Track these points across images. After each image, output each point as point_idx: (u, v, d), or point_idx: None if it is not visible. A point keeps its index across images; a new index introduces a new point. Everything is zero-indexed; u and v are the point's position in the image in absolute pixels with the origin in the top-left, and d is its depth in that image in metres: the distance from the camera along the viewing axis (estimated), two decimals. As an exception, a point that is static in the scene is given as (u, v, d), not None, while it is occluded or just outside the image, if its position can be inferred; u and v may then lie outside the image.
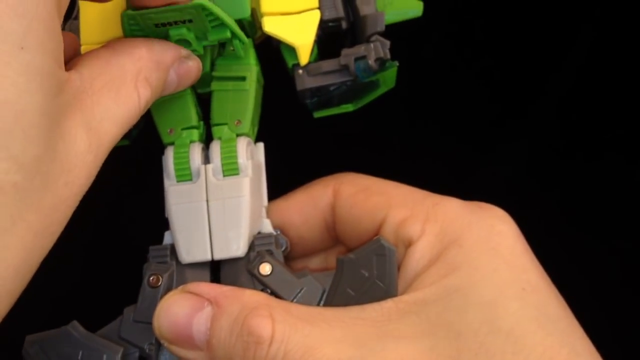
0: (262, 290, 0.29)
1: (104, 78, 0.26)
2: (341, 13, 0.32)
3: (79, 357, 0.28)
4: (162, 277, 0.30)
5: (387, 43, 0.31)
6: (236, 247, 0.30)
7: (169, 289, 0.29)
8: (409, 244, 0.29)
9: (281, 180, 0.33)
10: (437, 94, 0.36)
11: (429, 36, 0.31)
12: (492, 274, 0.27)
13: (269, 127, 0.33)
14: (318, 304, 0.29)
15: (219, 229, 0.30)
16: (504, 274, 0.27)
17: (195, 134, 0.31)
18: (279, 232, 0.32)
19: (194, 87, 0.32)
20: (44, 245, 0.23)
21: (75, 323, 0.29)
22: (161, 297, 0.29)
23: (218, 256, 0.30)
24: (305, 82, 0.32)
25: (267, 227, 0.31)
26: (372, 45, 0.31)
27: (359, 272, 0.28)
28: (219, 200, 0.30)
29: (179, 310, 0.27)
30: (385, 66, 0.31)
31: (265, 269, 0.29)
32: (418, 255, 0.28)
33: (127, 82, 0.26)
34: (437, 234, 0.28)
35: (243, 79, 0.31)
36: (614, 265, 0.27)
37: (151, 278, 0.30)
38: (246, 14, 0.30)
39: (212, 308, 0.27)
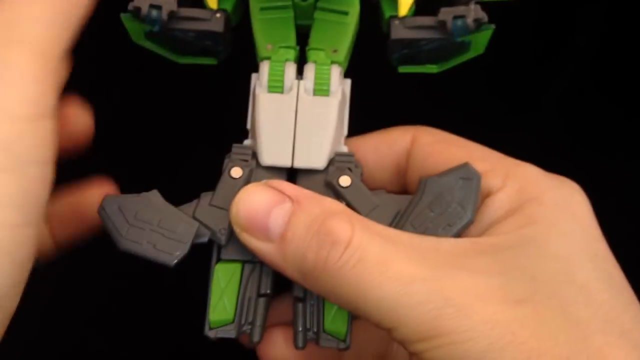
0: None
1: None
2: None
3: (156, 223, 0.28)
4: (243, 170, 0.30)
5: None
6: (317, 158, 0.31)
7: (248, 182, 0.30)
8: (487, 195, 0.30)
9: (360, 123, 0.34)
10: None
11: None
12: (569, 234, 0.28)
13: (356, 73, 0.35)
14: (391, 223, 0.29)
15: (303, 138, 0.31)
16: (579, 237, 0.28)
17: (292, 53, 0.33)
18: None
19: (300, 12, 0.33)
20: None
21: (155, 191, 0.29)
22: (240, 188, 0.29)
23: (298, 164, 0.31)
24: (400, 32, 0.34)
25: (345, 151, 0.32)
26: (471, 6, 0.33)
27: (441, 193, 0.29)
28: (308, 113, 0.31)
29: (259, 199, 0.28)
30: (481, 28, 0.33)
31: (345, 181, 0.30)
32: (497, 205, 0.29)
33: None
34: (518, 189, 0.29)
35: (346, 13, 0.33)
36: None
37: (233, 169, 0.30)
38: None
39: (293, 205, 0.28)
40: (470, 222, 0.29)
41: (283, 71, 0.32)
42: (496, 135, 0.33)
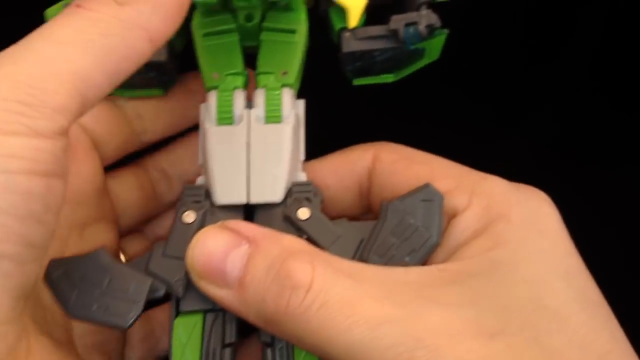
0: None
1: None
2: None
3: (105, 284, 0.26)
4: (196, 214, 0.28)
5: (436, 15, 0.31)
6: (273, 191, 0.29)
7: (202, 227, 0.28)
8: (453, 215, 0.28)
9: (317, 144, 0.32)
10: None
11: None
12: (538, 253, 0.26)
13: (309, 91, 0.33)
14: (355, 253, 0.28)
15: (258, 171, 0.29)
16: (550, 255, 0.27)
17: (240, 80, 0.31)
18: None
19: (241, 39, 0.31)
20: None
21: (102, 250, 0.27)
22: (194, 233, 0.27)
23: (254, 199, 0.29)
24: (351, 44, 0.32)
25: (303, 179, 0.30)
26: (423, 12, 0.31)
27: (404, 218, 0.27)
28: (261, 144, 0.29)
29: (215, 244, 0.26)
30: (434, 34, 0.31)
31: (304, 213, 0.28)
32: (463, 226, 0.28)
33: None
34: (484, 207, 0.28)
35: (293, 31, 0.31)
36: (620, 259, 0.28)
37: (185, 214, 0.28)
38: None
39: (250, 247, 0.26)
40: (436, 245, 0.27)
41: (231, 101, 0.30)
42: (485, 143, 0.33)
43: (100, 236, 0.31)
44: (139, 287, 0.26)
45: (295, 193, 0.29)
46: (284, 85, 0.31)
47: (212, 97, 0.30)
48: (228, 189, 0.29)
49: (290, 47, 0.31)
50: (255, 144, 0.29)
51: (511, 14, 0.32)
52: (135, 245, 0.35)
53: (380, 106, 0.35)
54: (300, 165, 0.31)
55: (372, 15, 0.33)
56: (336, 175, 0.32)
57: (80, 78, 0.24)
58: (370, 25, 0.32)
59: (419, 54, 0.32)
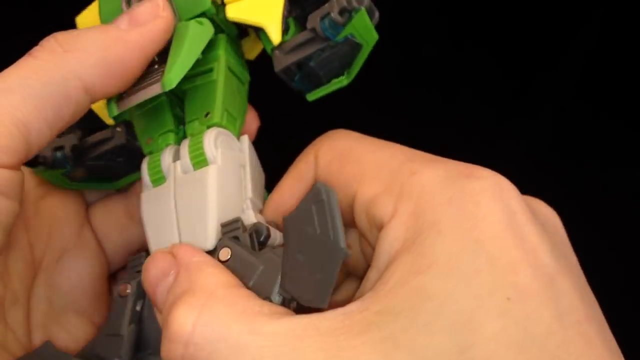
0: None
1: None
2: None
3: None
4: (130, 285, 0.27)
5: None
6: (203, 240, 0.26)
7: (137, 296, 0.27)
8: (381, 225, 0.24)
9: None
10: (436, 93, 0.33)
11: (428, 35, 0.29)
12: (472, 277, 0.22)
13: (273, 129, 0.31)
14: (278, 284, 0.24)
15: (186, 224, 0.27)
16: (486, 278, 0.22)
17: (171, 137, 0.29)
18: (264, 222, 0.28)
19: (172, 92, 0.30)
20: None
21: (48, 343, 0.27)
22: (131, 305, 0.26)
23: None
24: (281, 60, 0.29)
25: (250, 217, 0.28)
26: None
27: (303, 229, 0.23)
28: (186, 194, 0.27)
29: (152, 271, 0.25)
30: (351, 16, 0.27)
31: (225, 254, 0.25)
32: (390, 239, 0.24)
33: None
34: (412, 214, 0.23)
35: (210, 70, 0.29)
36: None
37: (120, 287, 0.27)
38: (206, 6, 0.29)
39: (175, 276, 0.25)
40: (345, 255, 0.22)
41: (159, 161, 0.29)
42: (484, 143, 0.33)
43: (80, 264, 0.31)
44: None
45: (223, 234, 0.27)
46: (208, 127, 0.29)
47: (144, 164, 0.29)
48: (162, 248, 0.27)
49: (209, 87, 0.29)
50: (180, 196, 0.27)
51: (511, 17, 0.29)
52: None
53: (380, 106, 0.31)
54: (248, 204, 0.28)
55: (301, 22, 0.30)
56: (294, 195, 0.28)
57: (22, 123, 0.25)
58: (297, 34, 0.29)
59: (355, 46, 0.28)
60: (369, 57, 0.29)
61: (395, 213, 0.24)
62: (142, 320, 0.27)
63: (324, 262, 0.22)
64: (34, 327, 0.29)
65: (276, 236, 0.27)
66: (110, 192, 0.34)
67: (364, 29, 0.28)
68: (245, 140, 0.29)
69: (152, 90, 0.27)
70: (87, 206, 0.33)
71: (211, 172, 0.27)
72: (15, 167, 0.25)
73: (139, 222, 0.31)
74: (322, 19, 0.28)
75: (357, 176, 0.26)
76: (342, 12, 0.27)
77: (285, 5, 0.29)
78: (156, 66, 0.29)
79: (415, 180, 0.24)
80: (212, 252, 0.26)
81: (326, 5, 0.28)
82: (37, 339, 0.29)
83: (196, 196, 0.27)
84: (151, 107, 0.30)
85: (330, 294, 0.22)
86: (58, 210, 0.31)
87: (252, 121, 0.32)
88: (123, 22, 0.27)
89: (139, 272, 0.28)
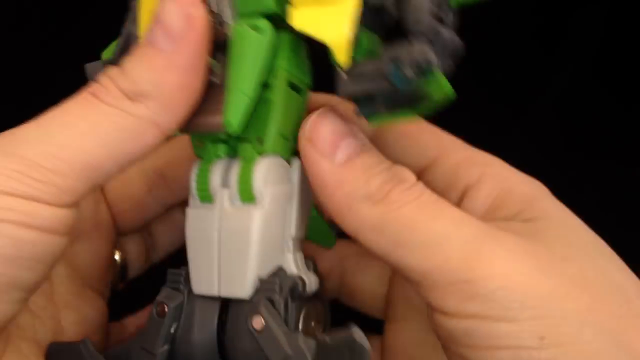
0: None
1: None
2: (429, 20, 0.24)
3: None
4: (167, 308, 0.28)
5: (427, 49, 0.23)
6: (240, 287, 0.26)
7: (174, 319, 0.28)
8: (465, 189, 0.29)
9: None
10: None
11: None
12: (571, 219, 0.27)
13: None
14: None
15: (226, 263, 0.27)
16: (582, 226, 0.27)
17: (222, 148, 0.28)
18: (305, 270, 0.27)
19: None
20: None
21: (87, 340, 0.28)
22: (167, 328, 0.27)
23: (224, 293, 0.27)
24: (345, 87, 0.26)
25: (289, 264, 0.27)
26: (414, 43, 0.24)
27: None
28: (229, 232, 0.27)
29: (338, 123, 0.27)
30: (424, 76, 0.24)
31: (258, 324, 0.26)
32: (482, 197, 0.28)
33: None
34: (498, 180, 0.28)
35: (266, 86, 0.27)
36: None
37: (158, 307, 0.28)
38: (264, 7, 0.26)
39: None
40: None
41: (207, 177, 0.28)
42: (492, 136, 0.32)
43: (95, 243, 0.33)
44: None
45: (261, 291, 0.26)
46: (260, 154, 0.27)
47: (194, 169, 0.28)
48: (202, 279, 0.27)
49: (264, 107, 0.27)
50: (224, 231, 0.27)
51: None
52: (131, 245, 0.35)
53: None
54: (290, 244, 0.27)
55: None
56: None
57: (92, 167, 0.25)
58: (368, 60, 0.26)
59: (418, 96, 0.25)
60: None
61: (482, 176, 0.28)
62: (175, 340, 0.28)
63: None
64: (60, 308, 0.31)
65: (311, 285, 0.27)
66: None
67: (436, 89, 0.24)
68: (297, 165, 0.28)
69: (214, 126, 0.26)
70: None
71: (255, 217, 0.26)
72: (74, 206, 0.25)
73: (154, 196, 0.34)
74: (393, 62, 0.24)
75: (437, 145, 0.30)
76: (418, 69, 0.24)
77: (358, 18, 0.25)
78: (216, 71, 0.26)
79: (495, 160, 0.29)
80: (248, 302, 0.27)
81: (400, 48, 0.24)
82: (64, 320, 0.30)
83: (238, 238, 0.26)
84: None
85: None
86: None
87: None
88: (158, 38, 0.25)
89: (177, 289, 0.28)
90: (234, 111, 0.26)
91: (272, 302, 0.26)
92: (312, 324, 0.28)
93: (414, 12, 0.24)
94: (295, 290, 0.26)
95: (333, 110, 0.27)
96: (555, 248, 0.25)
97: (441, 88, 0.24)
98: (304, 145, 0.26)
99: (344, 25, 0.25)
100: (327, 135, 0.26)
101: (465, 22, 0.26)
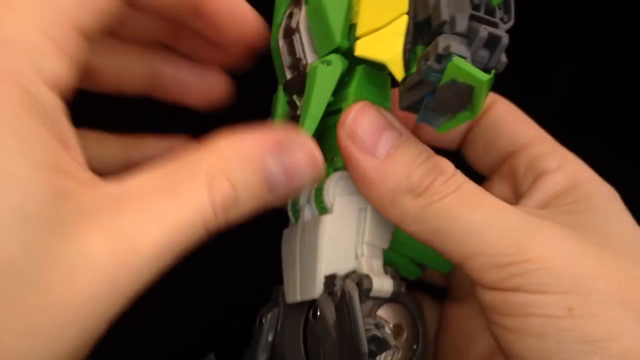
0: None
1: (160, 180, 0.23)
2: (445, 16, 0.26)
3: None
4: (265, 317, 0.30)
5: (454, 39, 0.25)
6: (312, 288, 0.28)
7: (270, 328, 0.30)
8: (541, 173, 0.31)
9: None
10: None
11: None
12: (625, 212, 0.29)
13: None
14: None
15: (304, 269, 0.29)
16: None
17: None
18: (379, 273, 0.28)
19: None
20: (34, 346, 0.20)
21: (211, 355, 0.32)
22: (265, 337, 0.30)
23: (302, 297, 0.29)
24: (402, 98, 0.28)
25: (362, 268, 0.28)
26: (440, 37, 0.25)
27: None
28: (306, 240, 0.29)
29: (377, 117, 0.28)
30: (443, 63, 0.25)
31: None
32: (555, 181, 0.30)
33: (194, 181, 0.23)
34: (573, 172, 0.30)
35: (339, 111, 0.30)
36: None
37: (258, 318, 0.31)
38: (335, 43, 0.29)
39: (402, 136, 0.28)
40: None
41: (297, 197, 0.31)
42: None
43: None
44: None
45: (325, 289, 0.28)
46: (335, 170, 0.29)
47: None
48: (289, 289, 0.30)
49: (335, 129, 0.30)
50: (303, 240, 0.29)
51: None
52: None
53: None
54: (364, 249, 0.29)
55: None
56: None
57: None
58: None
59: (462, 85, 0.26)
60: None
61: (559, 167, 0.30)
62: (275, 347, 0.30)
63: None
64: None
65: (382, 285, 0.28)
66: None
67: (463, 75, 0.25)
68: None
69: None
70: None
71: (323, 223, 0.28)
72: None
73: None
74: (423, 60, 0.26)
75: (528, 135, 0.32)
76: (439, 59, 0.25)
77: (406, 36, 0.27)
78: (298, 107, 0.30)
79: (577, 159, 0.31)
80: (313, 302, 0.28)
81: (430, 46, 0.26)
82: None
83: (311, 245, 0.29)
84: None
85: None
86: None
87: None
88: (278, 177, 0.25)
89: (276, 301, 0.31)
90: (305, 127, 0.28)
91: (330, 295, 0.27)
92: (390, 325, 0.28)
93: (434, 10, 0.26)
94: (359, 286, 0.27)
95: (369, 104, 0.28)
96: (592, 236, 0.27)
97: (468, 74, 0.25)
98: (344, 142, 0.28)
99: (395, 43, 0.27)
100: (366, 131, 0.27)
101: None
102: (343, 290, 0.25)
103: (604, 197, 0.29)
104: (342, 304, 0.25)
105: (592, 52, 0.46)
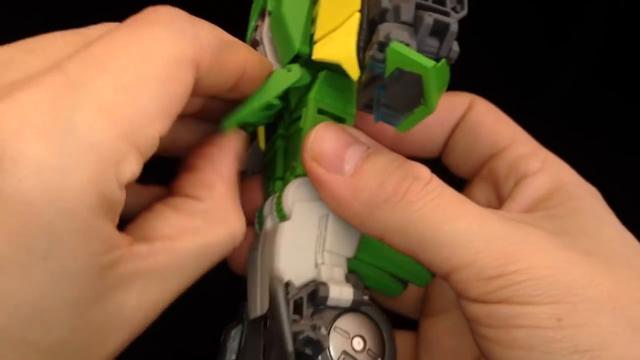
0: None
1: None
2: (386, 4, 0.26)
3: None
4: (229, 335, 0.29)
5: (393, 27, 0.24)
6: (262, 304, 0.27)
7: (234, 344, 0.29)
8: (523, 176, 0.30)
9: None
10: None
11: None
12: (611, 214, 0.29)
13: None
14: None
15: (264, 278, 0.28)
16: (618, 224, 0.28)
17: (278, 184, 0.30)
18: (340, 281, 0.27)
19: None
20: None
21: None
22: (227, 352, 0.29)
23: (262, 310, 0.27)
24: (359, 98, 0.27)
25: (321, 276, 0.27)
26: (378, 28, 0.24)
27: None
28: (266, 248, 0.28)
29: (338, 135, 0.27)
30: (384, 50, 0.24)
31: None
32: (536, 185, 0.29)
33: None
34: (556, 173, 0.30)
35: (299, 118, 0.29)
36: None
37: (222, 337, 0.29)
38: (294, 50, 0.29)
39: (369, 149, 0.27)
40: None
41: (262, 209, 0.30)
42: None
43: None
44: None
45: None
46: (296, 177, 0.28)
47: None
48: (252, 302, 0.29)
49: (297, 137, 0.29)
50: (263, 249, 0.28)
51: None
52: None
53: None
54: (325, 257, 0.27)
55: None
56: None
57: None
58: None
59: (410, 76, 0.24)
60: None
61: (541, 169, 0.30)
62: None
63: None
64: None
65: (341, 294, 0.26)
66: None
67: (405, 62, 0.24)
68: None
69: None
70: None
71: (280, 229, 0.27)
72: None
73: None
74: (370, 54, 0.25)
75: (508, 135, 0.31)
76: (380, 47, 0.24)
77: (359, 34, 0.26)
78: None
79: (558, 160, 0.30)
80: None
81: (373, 36, 0.25)
82: None
83: (270, 253, 0.28)
84: (271, 155, 0.31)
85: None
86: None
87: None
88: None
89: (241, 317, 0.30)
90: (232, 118, 0.28)
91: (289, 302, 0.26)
92: (350, 335, 0.26)
93: (376, 2, 0.25)
94: (315, 293, 0.26)
95: (330, 123, 0.27)
96: (580, 242, 0.26)
97: (411, 61, 0.24)
98: (309, 164, 0.27)
99: (348, 42, 0.27)
100: (330, 149, 0.27)
101: (468, 21, 0.25)
102: (270, 290, 0.24)
103: (587, 198, 0.29)
104: (271, 305, 0.24)
105: (593, 53, 0.45)
